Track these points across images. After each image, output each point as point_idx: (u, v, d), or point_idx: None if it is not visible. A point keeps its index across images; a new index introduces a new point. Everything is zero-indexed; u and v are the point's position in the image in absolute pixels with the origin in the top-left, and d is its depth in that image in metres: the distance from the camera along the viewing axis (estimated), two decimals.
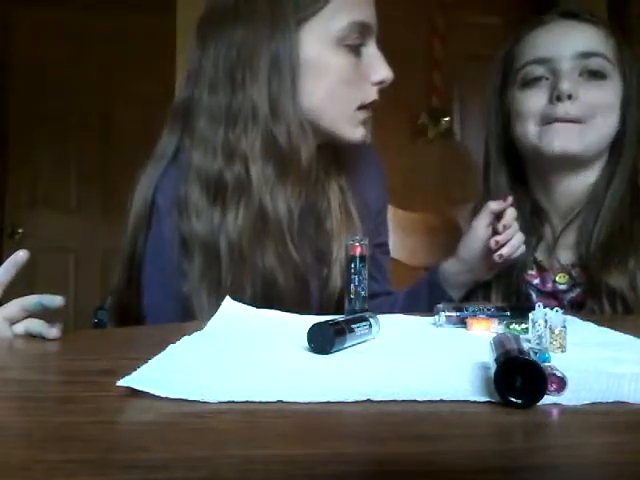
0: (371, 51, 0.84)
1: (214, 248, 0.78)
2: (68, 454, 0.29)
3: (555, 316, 0.51)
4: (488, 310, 0.67)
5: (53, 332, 0.58)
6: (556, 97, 0.90)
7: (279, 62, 0.79)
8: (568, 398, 0.36)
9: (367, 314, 0.58)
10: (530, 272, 0.98)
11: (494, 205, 0.89)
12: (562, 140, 0.91)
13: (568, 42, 0.93)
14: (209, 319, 0.66)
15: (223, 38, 0.81)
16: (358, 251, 0.71)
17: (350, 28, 0.81)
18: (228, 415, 0.34)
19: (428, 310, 0.83)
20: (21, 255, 0.62)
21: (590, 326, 0.65)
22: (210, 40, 0.83)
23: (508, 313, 0.66)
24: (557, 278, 0.96)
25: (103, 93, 3.10)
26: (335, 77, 0.81)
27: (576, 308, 0.93)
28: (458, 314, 0.66)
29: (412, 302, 0.96)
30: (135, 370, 0.41)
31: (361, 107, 0.84)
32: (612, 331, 0.61)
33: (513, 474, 0.27)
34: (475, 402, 0.36)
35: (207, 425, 0.33)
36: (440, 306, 0.67)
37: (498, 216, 0.89)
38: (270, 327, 0.64)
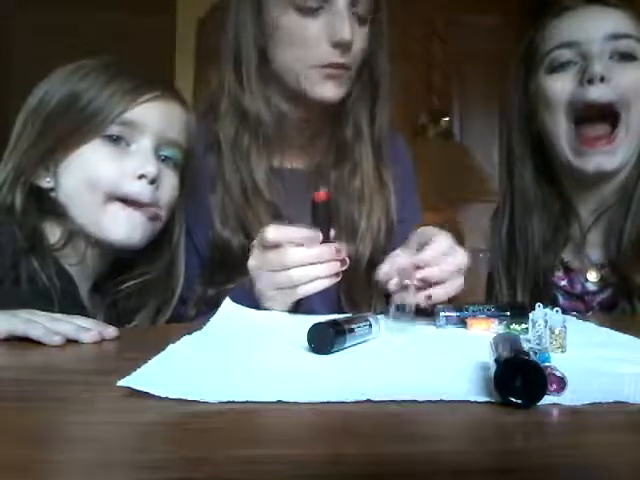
0: (333, 13, 0.83)
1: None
2: (68, 454, 0.29)
3: (555, 316, 0.51)
4: (488, 310, 0.67)
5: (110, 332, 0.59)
6: (587, 80, 0.87)
7: (246, 24, 0.87)
8: (568, 398, 0.36)
9: (367, 314, 0.58)
10: (557, 274, 0.95)
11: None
12: (596, 160, 0.89)
13: (597, 25, 0.90)
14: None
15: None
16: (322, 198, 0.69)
17: None
18: (228, 415, 0.34)
19: None
20: (110, 332, 0.60)
21: (590, 326, 0.65)
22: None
23: (508, 313, 0.66)
24: (588, 276, 0.92)
25: None
26: (285, 37, 0.85)
27: (605, 310, 0.90)
28: (458, 314, 0.66)
29: None
30: (135, 370, 0.41)
31: (320, 66, 0.85)
32: (612, 331, 0.61)
33: (513, 474, 0.27)
34: (475, 402, 0.36)
35: (207, 425, 0.33)
36: (440, 307, 0.67)
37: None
38: (269, 327, 0.64)
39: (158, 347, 0.48)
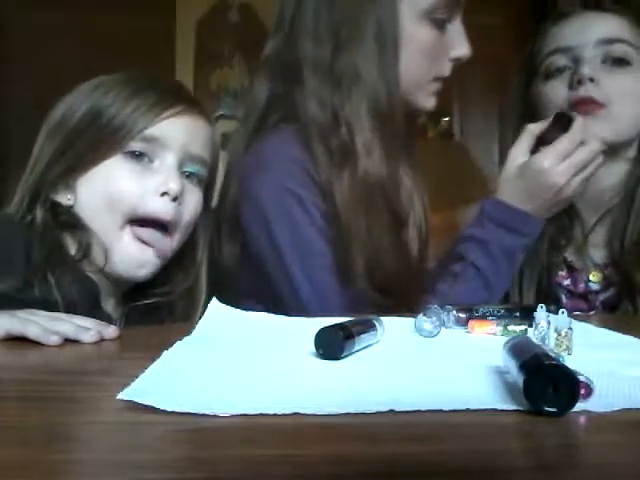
0: (455, 27, 0.85)
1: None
2: (68, 454, 0.29)
3: (561, 317, 0.50)
4: (498, 312, 0.65)
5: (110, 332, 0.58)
6: (577, 81, 0.88)
7: (384, 29, 0.81)
8: (597, 404, 0.35)
9: (370, 316, 0.57)
10: (560, 273, 0.95)
11: (534, 127, 0.86)
12: (590, 128, 0.88)
13: (591, 30, 0.92)
14: None
15: None
16: None
17: (439, 2, 0.82)
18: (228, 415, 0.34)
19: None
20: (110, 332, 0.58)
21: (588, 327, 0.64)
22: None
23: (517, 314, 0.65)
24: (591, 276, 0.93)
25: None
26: (415, 49, 0.83)
27: (608, 309, 0.90)
28: (466, 315, 0.64)
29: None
30: (135, 374, 0.40)
31: (435, 79, 0.86)
32: (611, 332, 0.60)
33: (513, 474, 0.27)
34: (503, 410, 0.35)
35: (207, 425, 0.33)
36: (449, 307, 0.65)
37: (540, 141, 0.85)
38: (265, 331, 0.62)
39: (159, 347, 0.48)
